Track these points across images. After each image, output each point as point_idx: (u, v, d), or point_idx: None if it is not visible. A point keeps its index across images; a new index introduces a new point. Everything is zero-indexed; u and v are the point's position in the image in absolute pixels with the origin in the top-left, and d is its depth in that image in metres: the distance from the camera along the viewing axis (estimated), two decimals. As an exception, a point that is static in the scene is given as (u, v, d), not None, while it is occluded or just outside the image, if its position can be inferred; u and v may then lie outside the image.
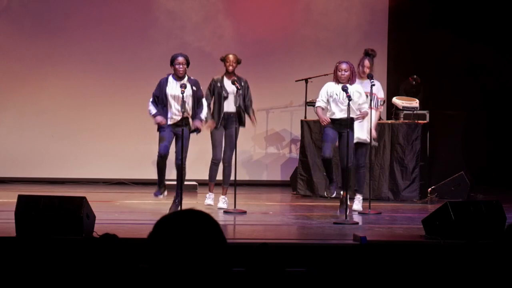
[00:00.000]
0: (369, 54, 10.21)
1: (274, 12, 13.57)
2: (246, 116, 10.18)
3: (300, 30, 13.53)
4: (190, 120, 9.39)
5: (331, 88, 9.46)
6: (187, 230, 2.49)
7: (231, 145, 10.05)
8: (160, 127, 9.39)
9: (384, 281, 6.55)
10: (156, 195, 9.67)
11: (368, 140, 10.06)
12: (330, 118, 9.43)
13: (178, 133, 9.29)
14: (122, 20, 13.30)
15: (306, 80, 12.42)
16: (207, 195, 10.18)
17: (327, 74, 11.91)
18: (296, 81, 12.63)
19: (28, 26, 13.18)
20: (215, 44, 12.95)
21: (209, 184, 10.23)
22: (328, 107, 9.48)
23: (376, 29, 13.51)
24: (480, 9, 13.62)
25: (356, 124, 9.68)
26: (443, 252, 7.24)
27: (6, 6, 13.19)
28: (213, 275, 2.47)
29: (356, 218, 9.66)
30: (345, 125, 9.32)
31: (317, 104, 9.62)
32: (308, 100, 12.17)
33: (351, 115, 9.25)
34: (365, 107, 9.53)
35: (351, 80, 9.28)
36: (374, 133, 10.18)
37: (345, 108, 9.19)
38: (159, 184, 9.60)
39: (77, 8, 13.24)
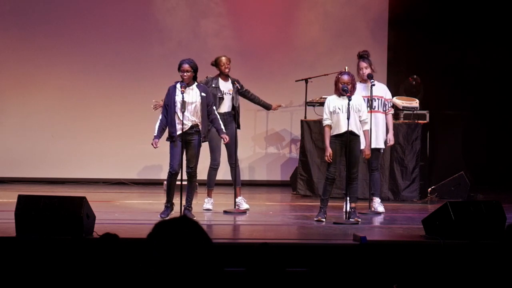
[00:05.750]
0: (362, 56, 10.18)
1: (274, 12, 13.56)
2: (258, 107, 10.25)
3: (300, 30, 13.53)
4: (200, 127, 9.22)
5: (333, 102, 9.16)
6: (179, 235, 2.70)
7: (233, 145, 10.04)
8: (171, 139, 9.20)
9: (384, 281, 6.55)
10: (162, 216, 9.12)
11: (382, 147, 10.15)
12: (336, 134, 9.14)
13: (188, 141, 9.19)
14: (122, 21, 13.29)
15: (306, 80, 12.41)
16: (206, 200, 10.10)
17: (327, 74, 11.91)
18: (296, 81, 12.62)
19: (28, 27, 13.17)
20: (215, 44, 12.94)
21: (208, 190, 10.16)
22: (333, 123, 9.22)
23: (376, 29, 13.50)
24: (481, 9, 13.61)
25: (373, 133, 9.76)
26: (443, 252, 7.24)
27: (6, 7, 13.19)
28: (204, 275, 2.61)
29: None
30: (351, 135, 9.12)
31: (325, 122, 9.20)
32: (308, 100, 12.16)
33: (354, 130, 9.10)
34: (365, 126, 9.34)
35: (352, 90, 9.19)
36: (391, 138, 10.15)
37: (347, 119, 9.01)
38: (168, 203, 9.25)
39: (78, 9, 13.24)
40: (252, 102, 10.67)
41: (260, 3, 13.58)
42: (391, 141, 10.24)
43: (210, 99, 9.42)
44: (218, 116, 9.46)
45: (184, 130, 9.17)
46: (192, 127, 9.18)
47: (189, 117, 9.16)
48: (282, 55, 13.49)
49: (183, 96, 9.10)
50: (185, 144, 9.19)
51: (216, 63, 10.10)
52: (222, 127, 9.42)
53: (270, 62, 13.46)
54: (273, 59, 13.46)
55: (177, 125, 9.15)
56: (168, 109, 9.19)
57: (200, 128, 9.22)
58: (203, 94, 9.22)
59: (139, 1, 13.40)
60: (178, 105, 9.13)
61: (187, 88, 9.17)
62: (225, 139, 9.43)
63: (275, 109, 11.18)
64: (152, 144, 9.21)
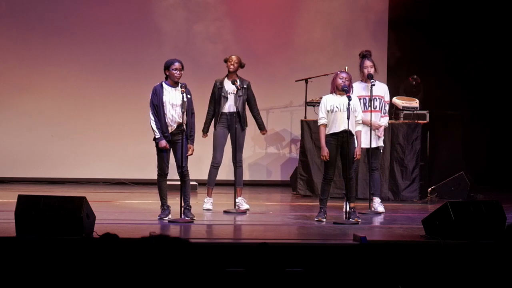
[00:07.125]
0: (365, 55, 10.17)
1: (274, 12, 13.56)
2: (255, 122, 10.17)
3: (300, 31, 13.52)
4: (185, 127, 9.14)
5: (330, 101, 9.12)
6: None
7: (239, 146, 10.04)
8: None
9: (384, 281, 6.55)
10: (161, 218, 9.10)
11: (381, 145, 10.14)
12: (332, 133, 9.13)
13: (175, 141, 9.16)
14: (121, 22, 13.30)
15: (306, 80, 12.41)
16: (206, 200, 10.12)
17: (327, 74, 11.91)
18: (296, 81, 12.63)
19: (28, 28, 13.18)
20: (215, 44, 12.94)
21: (208, 188, 10.17)
22: (329, 121, 9.16)
23: (376, 30, 13.51)
24: (480, 10, 13.61)
25: (372, 132, 9.80)
26: (443, 252, 7.24)
27: (6, 7, 13.20)
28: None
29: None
30: (347, 135, 9.11)
31: (321, 121, 9.15)
32: (308, 100, 12.17)
33: (351, 129, 9.08)
34: (359, 127, 9.31)
35: (349, 90, 9.18)
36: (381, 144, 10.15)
37: (347, 118, 9.00)
38: (163, 205, 9.23)
39: (77, 9, 13.25)
40: (250, 111, 10.31)
41: (258, 5, 13.58)
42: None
43: (192, 104, 9.29)
44: (194, 124, 9.30)
45: (170, 131, 9.16)
46: (177, 127, 9.16)
47: (175, 118, 9.13)
48: (282, 56, 13.48)
49: (183, 96, 9.07)
50: (171, 144, 9.19)
51: (226, 60, 10.09)
52: (193, 136, 9.29)
53: (270, 63, 13.45)
54: (273, 60, 13.46)
55: (163, 126, 9.12)
56: (157, 109, 9.15)
57: (185, 128, 9.16)
58: (189, 96, 9.19)
59: (138, 4, 13.40)
60: (168, 106, 9.11)
61: (174, 88, 9.13)
62: (191, 149, 9.24)
63: (263, 133, 10.65)
64: (164, 147, 9.11)
